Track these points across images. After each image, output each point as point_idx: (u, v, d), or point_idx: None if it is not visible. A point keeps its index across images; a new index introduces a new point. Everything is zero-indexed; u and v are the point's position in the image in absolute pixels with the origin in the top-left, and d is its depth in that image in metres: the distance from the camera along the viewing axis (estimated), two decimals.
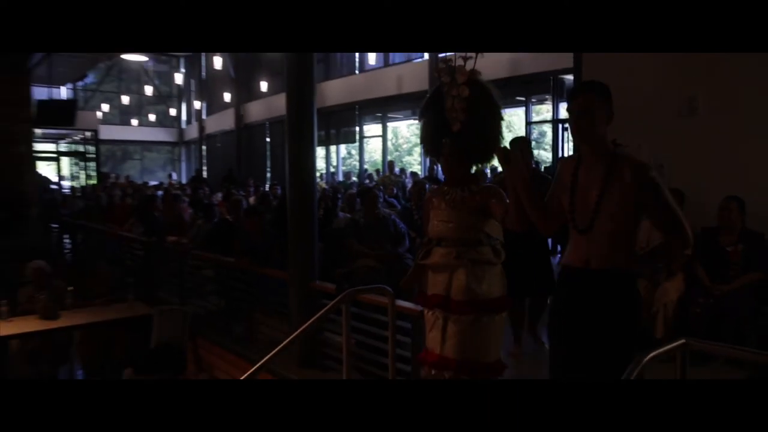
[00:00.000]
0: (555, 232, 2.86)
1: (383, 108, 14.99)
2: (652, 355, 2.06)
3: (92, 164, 21.55)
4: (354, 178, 14.68)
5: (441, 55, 3.38)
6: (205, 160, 23.05)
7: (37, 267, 6.36)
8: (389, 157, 14.96)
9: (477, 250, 2.86)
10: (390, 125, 16.06)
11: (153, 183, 17.46)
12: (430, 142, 3.08)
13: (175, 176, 21.74)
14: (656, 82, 4.94)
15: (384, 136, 15.64)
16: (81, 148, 22.44)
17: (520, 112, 12.37)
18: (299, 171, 4.87)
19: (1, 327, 5.62)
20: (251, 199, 10.61)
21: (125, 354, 6.00)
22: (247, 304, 5.94)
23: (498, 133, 2.92)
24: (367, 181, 12.94)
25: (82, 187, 17.99)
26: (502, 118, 2.97)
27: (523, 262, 3.78)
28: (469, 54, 2.81)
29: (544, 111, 13.14)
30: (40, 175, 16.06)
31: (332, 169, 16.93)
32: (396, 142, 17.72)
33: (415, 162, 16.19)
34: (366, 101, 14.66)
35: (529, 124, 11.90)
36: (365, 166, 15.88)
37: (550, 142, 11.40)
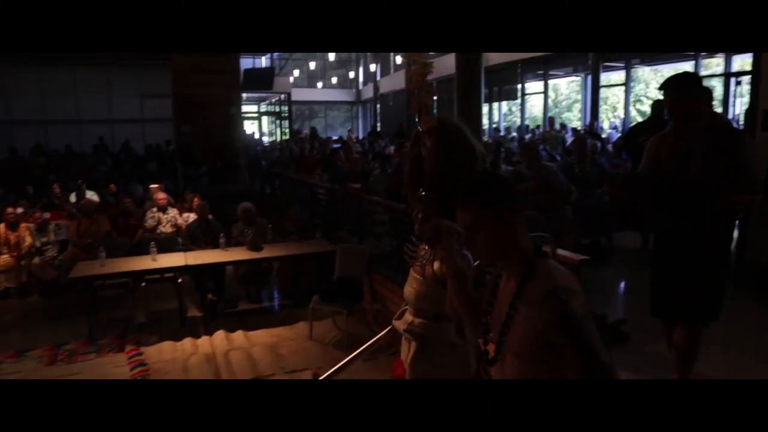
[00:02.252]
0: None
1: (544, 66, 14.30)
2: None
3: (285, 122, 22.95)
4: (514, 134, 14.27)
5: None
6: (379, 117, 23.59)
7: (245, 207, 6.93)
8: (549, 113, 14.35)
9: (435, 327, 2.16)
10: (551, 82, 15.34)
11: (335, 137, 18.21)
12: (408, 191, 2.36)
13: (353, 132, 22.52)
14: None
15: (545, 92, 15.01)
16: (277, 109, 23.96)
17: (688, 66, 11.15)
18: (467, 125, 4.84)
19: (221, 255, 6.31)
20: None
21: (312, 283, 6.43)
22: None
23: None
24: (529, 136, 12.52)
25: (278, 141, 19.26)
26: (472, 175, 2.09)
27: (679, 270, 3.12)
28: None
29: (713, 65, 11.76)
30: (246, 132, 17.40)
31: (494, 125, 16.55)
32: (556, 99, 16.89)
33: (574, 118, 15.37)
34: (528, 60, 14.04)
35: None
36: (526, 122, 15.35)
37: (721, 97, 10.17)
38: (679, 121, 3.07)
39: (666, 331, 3.37)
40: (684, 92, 3.00)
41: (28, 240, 7.48)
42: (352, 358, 3.27)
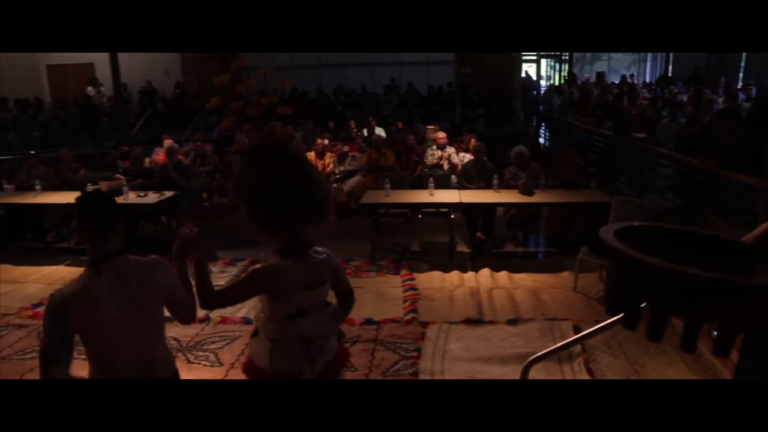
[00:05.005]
0: None
1: None
2: None
3: (566, 66, 21.83)
4: None
5: None
6: (671, 60, 20.94)
7: (519, 150, 6.83)
8: None
9: (260, 317, 2.33)
10: None
11: (616, 82, 16.76)
12: None
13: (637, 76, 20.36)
14: None
15: None
16: (557, 52, 22.86)
17: None
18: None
19: (493, 196, 6.38)
20: (721, 100, 9.29)
21: (583, 234, 6.14)
22: (704, 205, 5.36)
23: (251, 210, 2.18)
24: None
25: (555, 85, 18.49)
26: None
27: None
28: None
29: None
30: (524, 75, 17.08)
31: None
32: None
33: None
34: None
35: None
36: None
37: None
38: None
39: None
40: None
41: (331, 167, 8.56)
42: (619, 318, 3.05)
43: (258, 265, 2.20)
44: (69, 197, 6.36)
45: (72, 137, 12.16)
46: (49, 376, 1.87)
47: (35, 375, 3.98)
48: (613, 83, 14.89)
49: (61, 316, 1.88)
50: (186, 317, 2.18)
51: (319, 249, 2.31)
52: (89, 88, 14.63)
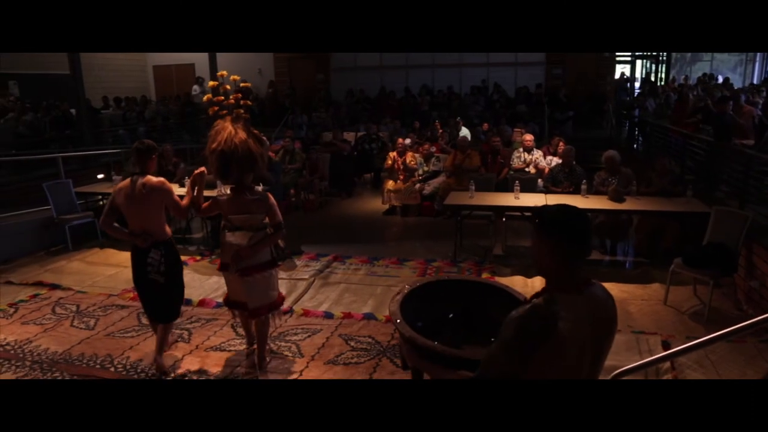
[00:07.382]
0: None
1: None
2: None
3: (663, 67, 20.72)
4: None
5: None
6: None
7: (609, 155, 6.55)
8: None
9: None
10: None
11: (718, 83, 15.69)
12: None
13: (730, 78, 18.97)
14: None
15: None
16: (654, 52, 21.71)
17: None
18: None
19: (581, 201, 6.11)
20: None
21: (676, 244, 5.81)
22: None
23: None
24: None
25: (648, 87, 17.57)
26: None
27: None
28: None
29: None
30: (618, 76, 16.37)
31: None
32: None
33: None
34: None
35: None
36: None
37: None
38: None
39: None
40: None
41: (412, 164, 8.58)
42: (717, 336, 2.85)
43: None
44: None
45: (173, 132, 12.89)
46: (103, 221, 3.72)
47: (135, 352, 4.25)
48: (717, 84, 13.99)
49: (113, 197, 3.72)
50: (177, 215, 3.91)
51: (257, 190, 3.74)
52: (195, 87, 15.45)
